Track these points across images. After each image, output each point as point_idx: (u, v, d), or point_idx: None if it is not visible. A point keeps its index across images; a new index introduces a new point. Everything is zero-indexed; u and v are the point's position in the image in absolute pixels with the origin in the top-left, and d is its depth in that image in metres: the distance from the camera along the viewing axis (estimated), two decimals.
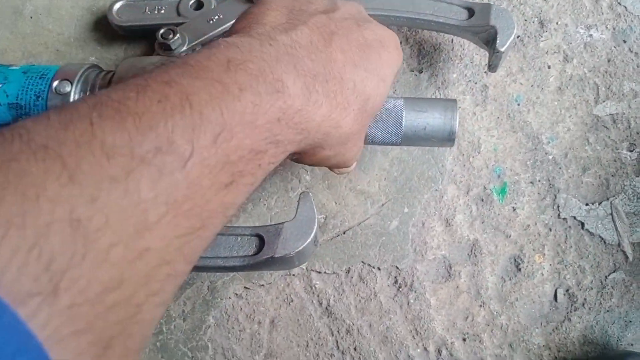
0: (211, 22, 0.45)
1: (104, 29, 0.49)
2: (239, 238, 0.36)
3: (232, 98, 0.24)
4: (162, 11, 0.46)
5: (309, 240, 0.35)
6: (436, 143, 0.41)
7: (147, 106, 0.22)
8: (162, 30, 0.44)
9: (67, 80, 0.40)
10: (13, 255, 0.17)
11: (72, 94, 0.40)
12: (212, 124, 0.23)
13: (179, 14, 0.46)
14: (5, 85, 0.41)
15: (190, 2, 0.46)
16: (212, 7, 0.46)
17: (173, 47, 0.44)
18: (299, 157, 0.33)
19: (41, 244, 0.18)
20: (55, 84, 0.40)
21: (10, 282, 0.17)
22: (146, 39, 0.49)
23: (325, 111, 0.29)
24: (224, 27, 0.45)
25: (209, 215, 0.24)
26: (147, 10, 0.47)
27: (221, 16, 0.45)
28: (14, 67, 0.42)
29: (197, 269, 0.37)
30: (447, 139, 0.40)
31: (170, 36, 0.44)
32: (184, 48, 0.44)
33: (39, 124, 0.21)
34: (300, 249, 0.35)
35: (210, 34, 0.45)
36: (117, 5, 0.47)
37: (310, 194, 0.37)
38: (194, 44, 0.45)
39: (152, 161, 0.21)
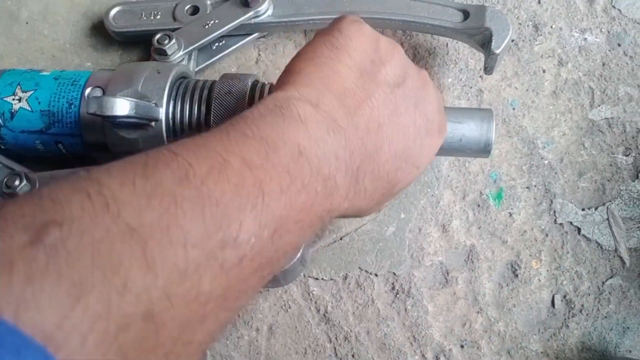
0: (207, 26, 0.45)
1: (100, 34, 0.49)
2: None
3: (296, 194, 0.24)
4: (158, 16, 0.46)
5: (294, 260, 0.34)
6: (471, 154, 0.40)
7: (225, 191, 0.22)
8: (158, 36, 0.44)
9: (99, 87, 0.40)
10: (96, 350, 0.17)
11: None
12: (275, 220, 0.23)
13: (174, 19, 0.46)
14: (37, 92, 0.40)
15: (186, 7, 0.46)
16: (208, 11, 0.46)
17: (169, 53, 0.44)
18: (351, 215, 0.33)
19: (120, 339, 0.17)
20: (87, 91, 0.40)
21: None
22: (142, 44, 0.48)
23: (349, 205, 0.29)
24: (219, 31, 0.45)
25: (243, 305, 0.25)
26: (143, 16, 0.47)
27: (217, 21, 0.45)
28: (44, 73, 0.42)
29: None
30: (483, 150, 0.39)
31: (166, 41, 0.43)
32: (180, 53, 0.44)
33: (125, 190, 0.20)
34: (286, 268, 0.34)
35: (206, 38, 0.45)
36: (113, 11, 0.47)
37: None
38: (190, 49, 0.45)
39: (218, 256, 0.21)
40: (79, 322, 0.16)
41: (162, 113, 0.38)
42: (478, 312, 0.47)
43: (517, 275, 0.47)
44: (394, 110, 0.30)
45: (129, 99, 0.36)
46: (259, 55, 0.50)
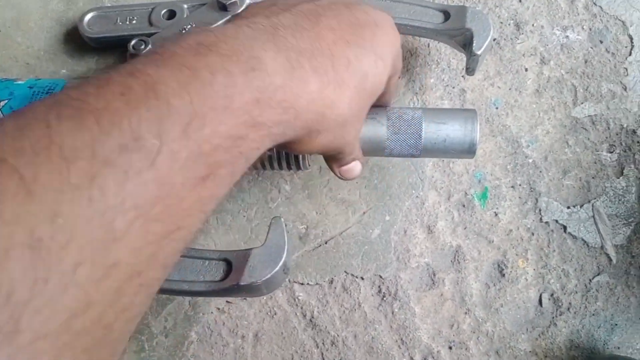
0: (184, 31, 0.44)
1: (75, 40, 0.48)
2: (207, 262, 0.35)
3: (202, 83, 0.22)
4: (134, 21, 0.45)
5: (277, 268, 0.34)
6: (456, 155, 0.40)
7: (109, 101, 0.20)
8: (133, 42, 0.43)
9: None
10: None
11: None
12: (180, 114, 0.21)
13: (151, 24, 0.45)
14: (11, 101, 0.39)
15: (162, 12, 0.45)
16: (185, 16, 0.45)
17: None
18: (296, 145, 0.30)
19: (0, 275, 0.16)
20: None
21: None
22: (119, 50, 0.48)
23: (314, 88, 0.27)
24: None
25: (184, 214, 0.22)
26: (118, 21, 0.45)
27: (193, 25, 0.44)
28: (19, 82, 0.41)
29: (160, 291, 0.35)
30: (468, 150, 0.39)
31: (142, 47, 0.42)
32: None
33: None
34: (267, 277, 0.33)
35: None
36: (87, 17, 0.46)
37: (281, 219, 0.35)
38: None
39: (117, 162, 0.19)
40: None
41: None
42: (466, 312, 0.47)
43: (504, 275, 0.47)
44: (323, 11, 0.30)
45: None
46: None
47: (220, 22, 0.44)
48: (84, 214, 0.18)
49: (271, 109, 0.25)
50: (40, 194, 0.18)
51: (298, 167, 0.41)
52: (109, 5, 0.48)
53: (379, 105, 0.38)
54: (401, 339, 0.46)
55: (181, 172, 0.21)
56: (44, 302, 0.17)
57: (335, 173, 0.37)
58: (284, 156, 0.40)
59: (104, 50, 0.48)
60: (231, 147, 0.23)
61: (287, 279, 0.47)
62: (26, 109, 0.20)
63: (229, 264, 0.35)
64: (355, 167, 0.37)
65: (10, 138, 0.19)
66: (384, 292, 0.47)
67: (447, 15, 0.43)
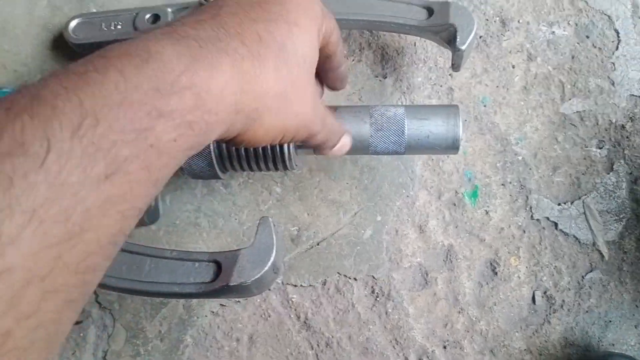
0: None
1: (62, 46, 0.48)
2: (197, 264, 0.35)
3: (91, 84, 0.22)
4: (119, 27, 0.45)
5: (266, 268, 0.33)
6: (440, 151, 0.40)
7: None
8: None
9: None
10: None
11: None
12: (68, 115, 0.21)
13: (135, 28, 0.45)
14: None
15: (147, 16, 0.45)
16: (169, 19, 0.45)
17: None
18: (244, 136, 0.29)
19: None
20: None
21: None
22: None
23: (227, 67, 0.26)
24: None
25: (89, 215, 0.21)
26: (103, 27, 0.45)
27: None
28: (5, 89, 0.41)
29: (151, 294, 0.35)
30: (452, 146, 0.39)
31: None
32: None
33: None
34: (257, 277, 0.33)
35: None
36: (72, 23, 0.46)
37: (270, 219, 0.35)
38: None
39: (1, 169, 0.19)
40: None
41: None
42: (459, 312, 0.47)
43: (496, 273, 0.47)
44: (224, 3, 0.30)
45: None
46: None
47: None
48: None
49: (177, 96, 0.24)
50: None
51: (285, 167, 0.41)
52: (94, 11, 0.48)
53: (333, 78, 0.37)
54: (395, 339, 0.46)
55: (76, 170, 0.21)
56: None
57: (328, 156, 0.36)
58: (269, 155, 0.40)
59: None
60: (136, 141, 0.23)
61: (278, 280, 0.47)
62: None
63: (218, 265, 0.35)
64: (343, 144, 0.37)
65: None
66: (377, 293, 0.47)
67: (430, 11, 0.43)
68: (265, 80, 0.28)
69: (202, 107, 0.25)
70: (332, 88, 0.40)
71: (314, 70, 0.32)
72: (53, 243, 0.20)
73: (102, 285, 0.35)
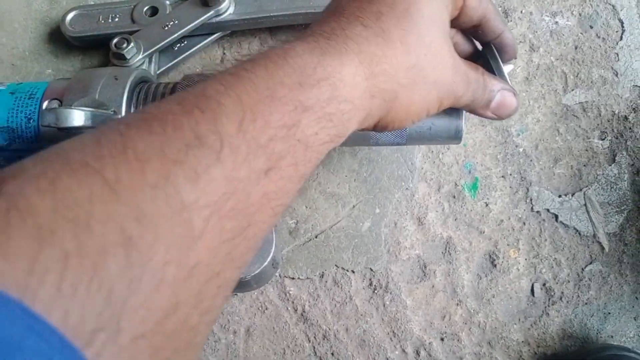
0: (166, 28, 0.44)
1: (59, 40, 0.48)
2: None
3: (244, 81, 0.23)
4: (116, 19, 0.45)
5: (265, 263, 0.34)
6: (442, 141, 0.39)
7: (169, 109, 0.21)
8: (115, 40, 0.43)
9: (56, 99, 0.39)
10: (75, 290, 0.16)
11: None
12: (232, 110, 0.22)
13: (133, 21, 0.45)
14: None
15: (145, 9, 0.45)
16: (167, 12, 0.45)
17: (128, 57, 0.43)
18: (391, 118, 0.28)
19: (100, 274, 0.16)
20: (45, 103, 0.39)
21: (75, 322, 0.16)
22: (103, 48, 0.47)
23: (357, 56, 0.26)
24: (179, 32, 0.44)
25: (253, 210, 0.22)
26: (100, 19, 0.45)
27: (176, 22, 0.44)
28: (0, 87, 0.41)
29: None
30: (454, 137, 0.39)
31: (124, 45, 0.42)
32: (140, 56, 0.43)
33: (73, 141, 0.20)
34: (256, 272, 0.33)
35: (166, 40, 0.44)
36: (69, 16, 0.46)
37: None
38: (150, 51, 0.44)
39: (185, 160, 0.20)
40: (50, 263, 0.16)
41: None
42: (457, 304, 0.47)
43: (495, 266, 0.47)
44: None
45: (84, 109, 0.35)
46: (224, 54, 0.49)
47: (204, 17, 0.44)
48: (164, 212, 0.19)
49: (316, 89, 0.24)
50: (124, 194, 0.18)
51: None
52: (92, 3, 0.48)
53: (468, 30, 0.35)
54: (393, 332, 0.46)
55: (244, 165, 0.21)
56: (140, 302, 0.17)
57: (490, 118, 0.34)
58: None
59: (89, 49, 0.48)
60: (287, 137, 0.23)
61: (277, 274, 0.47)
62: (99, 125, 0.23)
63: None
64: (501, 102, 0.34)
65: (89, 147, 0.20)
66: (375, 285, 0.47)
67: None
68: (393, 57, 0.27)
69: (338, 97, 0.25)
70: (503, 60, 0.36)
71: (447, 27, 0.30)
72: (227, 238, 0.21)
73: None
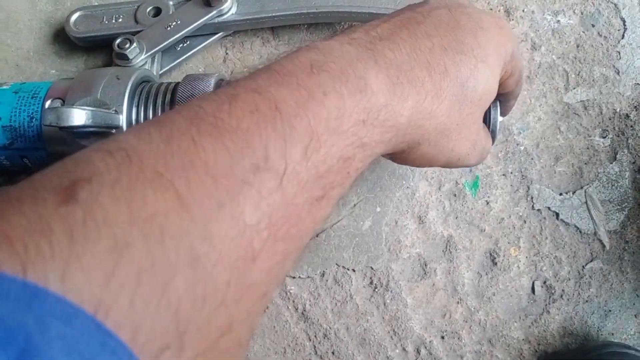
0: (169, 28, 0.44)
1: (63, 40, 0.48)
2: None
3: (317, 104, 0.23)
4: (120, 20, 0.46)
5: None
6: None
7: (240, 118, 0.21)
8: (118, 40, 0.43)
9: (59, 98, 0.39)
10: (146, 307, 0.16)
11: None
12: (301, 135, 0.22)
13: (136, 21, 0.45)
14: None
15: (148, 9, 0.45)
16: (170, 12, 0.45)
17: (130, 57, 0.43)
18: (399, 157, 0.30)
19: (169, 292, 0.17)
20: (48, 103, 0.40)
21: (144, 340, 0.16)
22: (107, 48, 0.48)
23: (413, 103, 0.27)
24: (182, 32, 0.44)
25: (302, 234, 0.23)
26: (104, 20, 0.46)
27: (179, 22, 0.44)
28: (4, 87, 0.41)
29: None
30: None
31: (127, 45, 0.43)
32: (143, 56, 0.44)
33: (142, 140, 0.20)
34: None
35: (169, 40, 0.44)
36: (74, 16, 0.46)
37: None
38: (152, 51, 0.44)
39: (252, 181, 0.20)
40: (125, 279, 0.16)
41: (122, 120, 0.38)
42: (458, 302, 0.47)
43: (496, 264, 0.47)
44: (423, 18, 0.29)
45: (85, 108, 0.35)
46: (227, 53, 0.49)
47: (206, 17, 0.44)
48: (229, 233, 0.19)
49: (375, 129, 0.25)
50: (194, 210, 0.18)
51: None
52: (96, 4, 0.48)
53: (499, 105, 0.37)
54: (393, 330, 0.47)
55: (302, 193, 0.22)
56: (203, 321, 0.18)
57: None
58: None
59: (93, 49, 0.48)
60: (341, 168, 0.24)
61: None
62: (166, 119, 0.21)
63: None
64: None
65: (160, 151, 0.19)
66: (375, 284, 0.47)
67: None
68: (436, 117, 0.28)
69: (387, 140, 0.26)
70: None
71: (486, 106, 0.32)
72: (279, 260, 0.21)
73: None
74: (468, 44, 0.29)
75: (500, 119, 0.38)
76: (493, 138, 0.37)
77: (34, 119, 0.39)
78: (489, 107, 0.36)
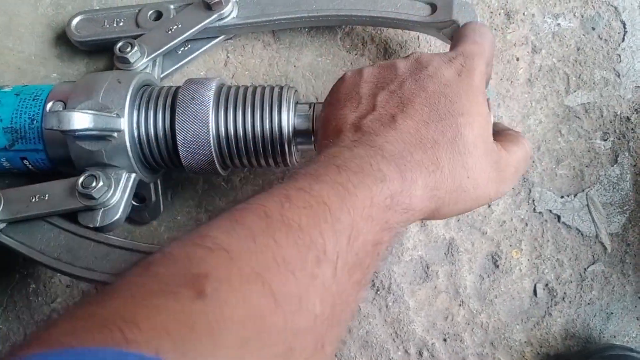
0: (170, 32, 0.44)
1: (65, 44, 0.49)
2: None
3: (352, 197, 0.26)
4: (121, 23, 0.46)
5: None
6: None
7: (299, 215, 0.24)
8: (119, 44, 0.43)
9: (61, 100, 0.40)
10: None
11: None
12: (345, 226, 0.24)
13: (138, 25, 0.45)
14: None
15: (149, 13, 0.45)
16: (171, 16, 0.45)
17: (132, 60, 0.43)
18: (427, 219, 0.34)
19: None
20: (49, 105, 0.40)
21: None
22: (108, 52, 0.48)
23: (421, 182, 0.29)
24: (182, 36, 0.44)
25: (348, 318, 0.25)
26: (105, 24, 0.46)
27: (180, 25, 0.44)
28: (6, 89, 0.41)
29: None
30: None
31: (128, 49, 0.43)
32: (144, 60, 0.44)
33: (232, 238, 0.22)
34: None
35: (170, 44, 0.44)
36: (75, 20, 0.46)
37: None
38: (153, 55, 0.44)
39: (317, 273, 0.22)
40: None
41: (124, 123, 0.38)
42: (460, 304, 0.47)
43: (497, 266, 0.47)
44: (403, 96, 0.33)
45: (87, 111, 0.35)
46: (228, 57, 0.49)
47: (207, 20, 0.44)
48: (305, 325, 0.21)
49: (397, 213, 0.28)
50: (284, 307, 0.21)
51: (286, 163, 0.41)
52: (97, 8, 0.49)
53: None
54: (395, 333, 0.47)
55: (349, 279, 0.24)
56: None
57: None
58: (270, 152, 0.40)
59: (95, 53, 0.49)
60: (374, 252, 0.27)
61: None
62: (238, 216, 0.24)
63: None
64: None
65: (250, 249, 0.22)
66: (377, 286, 0.47)
67: (434, 7, 0.43)
68: (442, 183, 0.31)
69: (406, 220, 0.29)
70: None
71: (490, 141, 0.34)
72: (336, 346, 0.24)
73: (103, 283, 0.35)
74: (443, 107, 0.32)
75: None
76: None
77: (34, 121, 0.39)
78: None
